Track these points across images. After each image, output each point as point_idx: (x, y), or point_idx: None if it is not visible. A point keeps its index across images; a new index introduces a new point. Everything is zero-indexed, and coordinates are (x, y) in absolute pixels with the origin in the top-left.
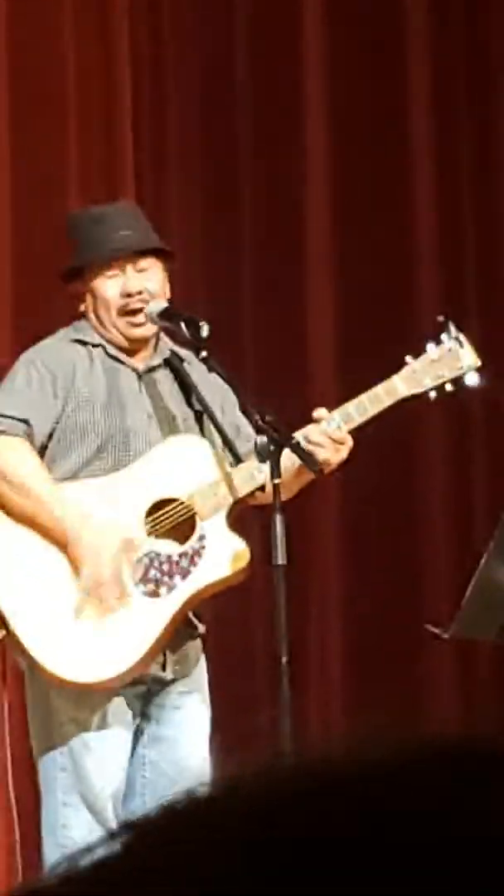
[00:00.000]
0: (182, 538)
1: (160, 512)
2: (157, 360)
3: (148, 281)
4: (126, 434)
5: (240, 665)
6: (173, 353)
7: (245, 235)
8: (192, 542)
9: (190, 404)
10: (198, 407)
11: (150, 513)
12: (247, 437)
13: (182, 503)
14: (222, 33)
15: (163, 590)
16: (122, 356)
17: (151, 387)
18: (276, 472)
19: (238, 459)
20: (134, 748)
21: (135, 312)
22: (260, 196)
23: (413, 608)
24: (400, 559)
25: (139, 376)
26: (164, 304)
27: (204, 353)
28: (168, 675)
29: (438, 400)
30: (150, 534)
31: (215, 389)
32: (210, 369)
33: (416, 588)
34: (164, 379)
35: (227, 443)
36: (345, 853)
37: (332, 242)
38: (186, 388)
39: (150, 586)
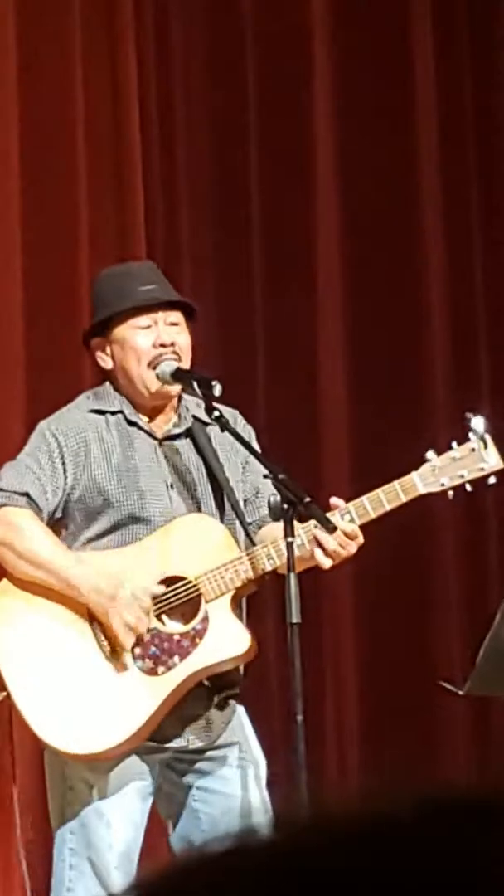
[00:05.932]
0: (185, 618)
1: (167, 589)
2: (179, 429)
3: (178, 335)
4: (143, 504)
5: (256, 724)
6: (197, 419)
7: (257, 303)
8: (195, 623)
9: (210, 475)
10: (220, 476)
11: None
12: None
13: (189, 583)
14: (233, 95)
15: (161, 668)
16: (142, 420)
17: (171, 455)
18: (289, 530)
19: (250, 539)
20: (187, 803)
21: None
22: (271, 263)
23: (427, 663)
24: (413, 616)
25: (158, 443)
26: (176, 365)
27: (217, 413)
28: (190, 746)
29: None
30: (154, 611)
31: (238, 452)
32: (223, 429)
33: (430, 643)
34: (185, 448)
35: (242, 521)
36: None
37: (343, 320)
38: (206, 459)
39: (149, 663)
